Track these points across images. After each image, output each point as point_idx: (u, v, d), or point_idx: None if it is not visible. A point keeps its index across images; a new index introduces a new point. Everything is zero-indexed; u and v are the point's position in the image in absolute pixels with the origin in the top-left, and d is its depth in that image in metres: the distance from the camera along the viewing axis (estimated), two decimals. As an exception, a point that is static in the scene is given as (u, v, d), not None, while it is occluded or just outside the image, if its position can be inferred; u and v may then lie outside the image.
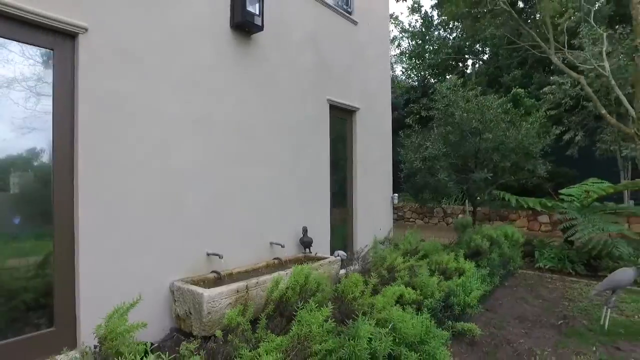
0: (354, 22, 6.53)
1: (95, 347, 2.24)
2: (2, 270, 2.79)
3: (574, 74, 4.89)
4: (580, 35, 9.75)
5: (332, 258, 4.78)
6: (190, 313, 3.29)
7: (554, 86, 11.33)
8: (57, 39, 3.06)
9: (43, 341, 2.87)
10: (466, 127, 7.06)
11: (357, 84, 6.56)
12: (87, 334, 2.88)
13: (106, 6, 3.27)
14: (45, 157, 3.03)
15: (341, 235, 6.27)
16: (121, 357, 2.02)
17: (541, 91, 11.80)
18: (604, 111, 4.50)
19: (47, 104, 3.02)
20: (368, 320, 2.50)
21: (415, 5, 16.47)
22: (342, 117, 6.32)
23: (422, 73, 17.27)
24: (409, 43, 18.09)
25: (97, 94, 3.19)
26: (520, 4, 15.16)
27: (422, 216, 14.33)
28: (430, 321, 3.08)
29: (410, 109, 15.37)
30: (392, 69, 19.34)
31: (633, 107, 7.16)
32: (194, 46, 3.97)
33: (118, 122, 3.31)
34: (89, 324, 2.98)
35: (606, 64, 4.25)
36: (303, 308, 2.44)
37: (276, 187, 4.91)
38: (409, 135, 8.02)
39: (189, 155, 3.87)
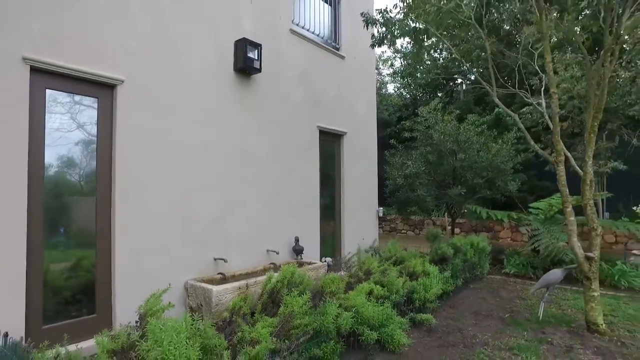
0: (342, 57, 7.46)
1: (136, 322, 3.07)
2: (60, 269, 3.64)
3: (510, 112, 5.72)
4: (555, 60, 10.67)
5: (319, 263, 5.60)
6: (201, 305, 4.11)
7: (531, 107, 12.23)
8: (101, 90, 3.96)
9: (88, 324, 3.70)
10: (443, 148, 7.94)
11: (345, 111, 7.46)
12: (120, 319, 3.71)
13: (137, 62, 4.17)
14: (91, 180, 3.90)
15: (330, 244, 7.10)
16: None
17: (520, 111, 12.70)
18: (532, 142, 5.29)
19: (93, 138, 3.91)
20: (336, 305, 3.34)
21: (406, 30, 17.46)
22: (331, 141, 7.21)
23: (413, 92, 18.25)
24: (401, 63, 19.10)
25: (129, 130, 4.07)
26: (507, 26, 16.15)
27: (413, 228, 15.13)
28: (392, 310, 3.92)
29: (402, 125, 16.30)
30: (385, 87, 20.29)
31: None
32: (205, 87, 4.88)
33: (145, 151, 4.19)
34: (122, 311, 3.83)
35: (543, 101, 5.03)
36: (289, 295, 3.27)
37: (271, 203, 5.77)
38: (393, 155, 8.89)
39: (199, 177, 4.74)
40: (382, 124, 17.70)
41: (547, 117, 5.02)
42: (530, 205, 8.52)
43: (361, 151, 7.85)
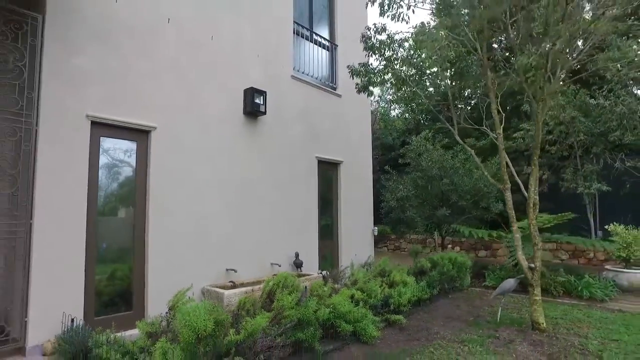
0: (338, 95, 8.57)
1: (166, 313, 4.09)
2: (106, 276, 4.72)
3: (468, 148, 6.66)
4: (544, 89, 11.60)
5: (315, 275, 6.57)
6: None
7: (522, 132, 13.12)
8: (139, 135, 5.11)
9: (127, 318, 4.73)
10: (430, 173, 8.90)
11: (341, 142, 8.52)
12: (151, 314, 4.73)
13: (166, 112, 5.33)
14: (130, 207, 5.01)
15: (329, 259, 8.05)
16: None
17: (513, 136, 13.59)
18: (486, 173, 6.12)
19: (133, 173, 5.04)
20: (316, 301, 4.32)
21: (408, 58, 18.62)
22: (328, 168, 8.26)
23: (417, 117, 19.26)
24: (404, 89, 20.20)
25: (159, 166, 5.19)
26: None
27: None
28: (367, 310, 4.86)
29: (405, 149, 17.28)
30: (389, 113, 21.34)
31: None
32: (219, 129, 6.01)
33: (171, 184, 5.30)
34: (152, 308, 4.85)
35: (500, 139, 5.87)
36: (282, 294, 4.26)
37: (274, 224, 6.80)
38: (388, 179, 9.88)
39: (214, 203, 5.82)
40: (386, 148, 18.72)
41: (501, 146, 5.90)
42: (518, 222, 9.34)
43: (356, 177, 8.86)
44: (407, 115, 20.85)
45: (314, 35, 8.29)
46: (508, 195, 5.49)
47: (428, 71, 6.35)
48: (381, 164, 16.60)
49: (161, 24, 5.41)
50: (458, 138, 6.22)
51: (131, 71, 5.02)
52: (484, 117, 7.49)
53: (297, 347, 4.05)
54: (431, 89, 7.92)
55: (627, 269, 7.94)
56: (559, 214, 8.55)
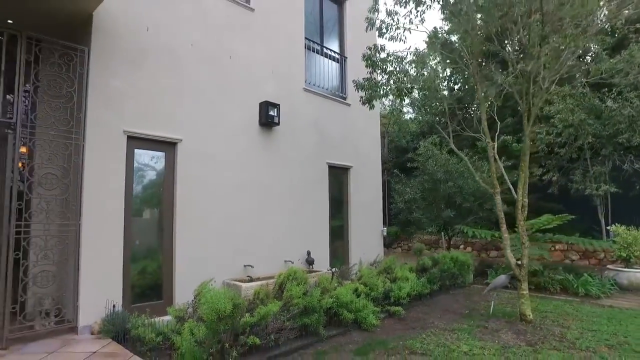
0: (348, 104, 9.16)
1: (192, 300, 4.78)
2: (140, 269, 5.46)
3: (462, 156, 7.10)
4: (553, 93, 11.87)
5: (325, 271, 7.19)
6: (234, 297, 5.79)
7: (533, 134, 13.40)
8: (167, 146, 5.84)
9: (158, 306, 5.44)
10: (436, 177, 9.39)
11: (351, 148, 9.10)
12: (179, 303, 5.43)
13: (190, 126, 6.04)
14: (161, 203, 5.74)
15: (340, 257, 8.63)
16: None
17: (522, 139, 13.87)
18: (478, 178, 6.47)
19: (161, 181, 5.78)
20: (323, 294, 4.93)
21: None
22: (339, 173, 8.86)
23: (430, 119, 19.64)
24: (418, 93, 20.60)
25: (185, 174, 5.91)
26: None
27: (429, 247, 16.30)
28: (368, 301, 5.44)
29: (414, 154, 17.68)
30: (403, 115, 21.75)
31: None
32: (237, 140, 6.70)
33: (195, 189, 6.01)
34: (179, 298, 5.55)
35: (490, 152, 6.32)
36: (291, 285, 4.89)
37: (288, 225, 7.44)
38: (397, 182, 10.41)
39: (235, 207, 6.51)
40: (400, 150, 19.16)
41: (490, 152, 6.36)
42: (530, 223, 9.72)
43: (366, 181, 9.43)
44: (420, 117, 21.26)
45: (324, 49, 8.92)
46: (498, 199, 5.98)
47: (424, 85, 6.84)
48: (395, 166, 17.09)
49: (185, 48, 6.14)
50: (453, 147, 6.71)
51: (160, 91, 5.76)
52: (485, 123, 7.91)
53: (304, 330, 4.68)
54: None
55: (627, 268, 8.24)
56: (559, 215, 8.90)
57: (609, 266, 8.80)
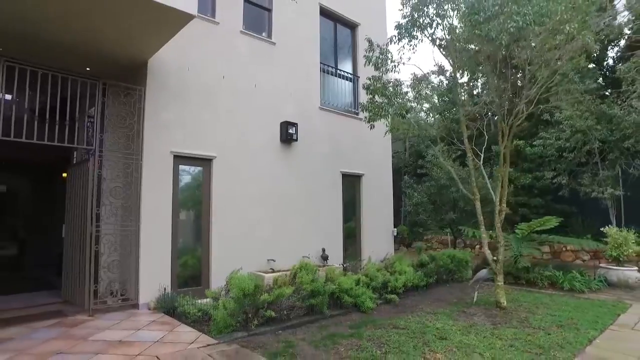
0: (360, 119, 10.29)
1: (224, 285, 6.12)
2: (184, 261, 6.87)
3: (448, 167, 8.06)
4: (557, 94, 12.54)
5: (337, 266, 8.38)
6: (258, 284, 7.10)
7: (542, 140, 14.06)
8: (204, 162, 7.23)
9: (197, 291, 6.82)
10: (441, 183, 10.39)
11: (363, 158, 10.25)
12: (213, 289, 6.77)
13: (223, 145, 7.41)
14: (200, 208, 7.13)
15: (352, 255, 9.78)
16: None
17: (532, 144, 14.52)
18: (461, 186, 7.29)
19: (199, 191, 7.17)
20: (329, 283, 6.15)
21: (441, 69, 19.87)
22: (352, 181, 10.03)
23: (448, 126, 20.41)
24: (437, 99, 21.40)
25: (219, 185, 7.28)
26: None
27: (445, 246, 17.13)
28: (366, 289, 6.60)
29: (423, 161, 18.48)
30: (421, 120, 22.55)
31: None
32: (261, 155, 8.02)
33: (227, 196, 7.37)
34: (214, 285, 6.89)
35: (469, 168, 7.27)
36: (302, 274, 6.12)
37: (305, 226, 8.69)
38: (408, 187, 11.46)
39: (259, 210, 7.83)
40: (418, 155, 20.05)
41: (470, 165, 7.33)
42: (518, 225, 10.53)
43: (377, 187, 10.55)
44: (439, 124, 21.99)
45: (338, 70, 10.13)
46: (477, 205, 6.97)
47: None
48: (413, 170, 18.02)
49: (218, 80, 7.52)
50: (442, 160, 7.71)
51: (198, 118, 7.16)
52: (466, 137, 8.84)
53: (311, 309, 5.91)
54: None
55: (617, 266, 8.94)
56: (544, 218, 9.64)
57: (601, 264, 9.51)
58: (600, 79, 15.79)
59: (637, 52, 12.09)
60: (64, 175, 9.24)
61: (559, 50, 5.84)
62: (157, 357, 4.21)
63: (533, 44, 6.08)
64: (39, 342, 4.61)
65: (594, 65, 16.73)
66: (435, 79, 7.95)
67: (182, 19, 5.33)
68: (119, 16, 5.13)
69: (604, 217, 13.22)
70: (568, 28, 5.28)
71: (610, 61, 17.44)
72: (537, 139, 14.13)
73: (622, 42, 16.34)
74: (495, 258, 6.68)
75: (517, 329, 5.39)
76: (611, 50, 16.71)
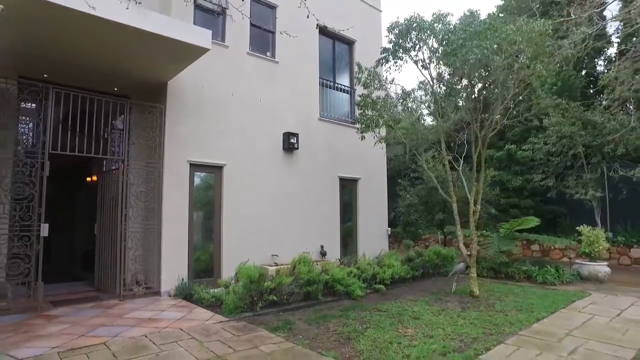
0: (356, 128, 11.28)
1: (234, 275, 7.14)
2: (198, 255, 7.93)
3: (430, 174, 9.01)
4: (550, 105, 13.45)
5: (334, 260, 9.38)
6: (263, 276, 8.13)
7: (530, 144, 14.94)
8: (216, 169, 8.28)
9: (210, 282, 7.86)
10: (430, 185, 11.33)
11: (359, 163, 11.23)
12: (224, 279, 7.80)
13: (232, 153, 8.45)
14: (212, 209, 8.19)
15: (349, 251, 10.77)
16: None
17: (522, 148, 15.40)
18: (441, 190, 8.16)
19: (212, 194, 8.22)
20: (323, 274, 7.16)
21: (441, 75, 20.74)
22: (349, 184, 11.02)
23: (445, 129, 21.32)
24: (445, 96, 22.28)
25: (229, 189, 8.32)
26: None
27: (442, 245, 18.02)
28: (357, 280, 7.60)
29: (415, 165, 19.39)
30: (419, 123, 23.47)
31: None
32: (266, 162, 9.05)
33: (236, 199, 8.41)
34: (224, 276, 7.93)
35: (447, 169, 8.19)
36: (300, 265, 7.13)
37: (306, 225, 9.70)
38: (401, 189, 12.42)
39: (264, 211, 8.86)
40: (415, 159, 20.99)
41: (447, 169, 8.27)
42: (502, 224, 11.40)
43: (372, 189, 11.52)
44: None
45: (336, 84, 11.14)
46: (454, 206, 7.92)
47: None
48: (410, 172, 18.97)
49: (228, 97, 8.56)
50: (425, 166, 8.67)
51: (212, 131, 8.20)
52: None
53: (308, 296, 6.91)
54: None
55: (589, 262, 9.82)
56: (523, 218, 10.51)
57: (576, 260, 10.39)
58: (591, 86, 16.64)
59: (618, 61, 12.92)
60: (88, 180, 10.39)
61: (516, 75, 6.80)
62: (181, 329, 5.25)
63: (495, 71, 7.04)
64: (85, 318, 5.69)
65: (584, 73, 17.62)
66: (420, 93, 8.80)
67: (199, 51, 6.39)
68: (147, 50, 6.20)
69: (591, 218, 14.05)
70: (522, 59, 6.22)
71: (601, 68, 18.25)
72: (527, 144, 15.00)
73: (610, 50, 17.18)
74: (469, 253, 7.63)
75: (481, 312, 6.35)
76: (598, 58, 17.52)
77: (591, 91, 17.10)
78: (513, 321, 5.77)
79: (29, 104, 6.88)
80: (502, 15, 20.07)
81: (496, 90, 7.50)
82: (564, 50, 8.67)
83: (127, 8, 4.13)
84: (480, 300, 7.23)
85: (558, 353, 4.49)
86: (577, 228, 10.66)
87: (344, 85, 11.40)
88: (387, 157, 13.62)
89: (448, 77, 7.87)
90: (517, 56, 6.47)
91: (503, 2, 20.11)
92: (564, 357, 4.36)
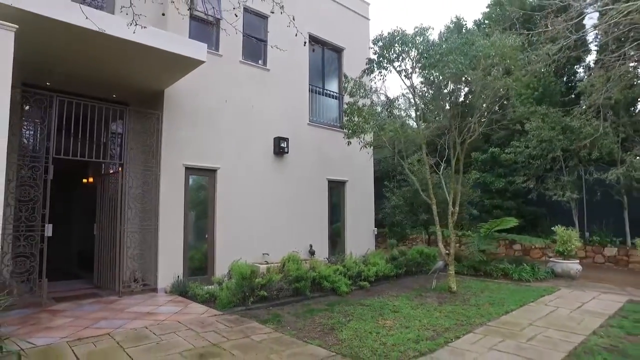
0: (345, 132, 11.78)
1: (227, 272, 7.59)
2: (193, 254, 8.36)
3: (412, 177, 9.56)
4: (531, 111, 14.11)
5: (322, 259, 9.86)
6: (254, 274, 8.58)
7: (512, 148, 15.57)
8: (210, 173, 8.72)
9: (204, 279, 8.29)
10: (414, 187, 11.85)
11: (347, 166, 11.73)
12: (217, 276, 8.24)
13: (225, 158, 8.89)
14: (206, 210, 8.62)
15: (338, 250, 11.26)
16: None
17: (505, 151, 16.03)
18: (422, 193, 8.76)
19: (206, 196, 8.66)
20: (311, 271, 7.64)
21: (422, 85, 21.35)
22: (337, 186, 11.52)
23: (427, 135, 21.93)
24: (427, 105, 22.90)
25: (222, 191, 8.76)
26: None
27: (427, 245, 18.59)
28: (343, 277, 8.09)
29: (401, 169, 19.94)
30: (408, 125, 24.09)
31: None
32: (257, 165, 9.50)
33: (229, 200, 8.85)
34: (218, 274, 8.37)
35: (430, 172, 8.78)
36: (289, 263, 7.60)
37: (295, 225, 10.17)
38: (387, 191, 12.95)
39: (256, 212, 9.31)
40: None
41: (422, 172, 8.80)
42: (482, 224, 11.96)
43: (359, 191, 12.03)
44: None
45: (325, 90, 11.63)
46: (434, 208, 8.45)
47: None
48: (398, 174, 19.53)
49: (221, 103, 9.00)
50: (407, 171, 9.19)
51: (206, 136, 8.64)
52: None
53: (296, 291, 7.38)
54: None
55: (563, 260, 10.42)
56: (501, 219, 11.09)
57: (551, 258, 11.00)
58: (571, 92, 17.35)
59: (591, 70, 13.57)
60: (84, 181, 10.74)
61: (492, 85, 7.35)
62: (179, 321, 5.70)
63: (470, 83, 7.59)
64: (88, 312, 6.10)
65: (565, 79, 18.35)
66: (403, 101, 9.34)
67: (195, 63, 6.84)
68: (146, 62, 6.63)
69: (569, 218, 14.69)
70: (494, 72, 6.76)
71: (581, 74, 18.97)
72: (510, 147, 15.63)
73: (589, 58, 17.89)
74: (447, 251, 8.16)
75: (456, 306, 6.88)
76: (579, 65, 18.22)
77: (572, 96, 17.80)
78: (484, 314, 6.30)
79: (33, 110, 7.26)
80: (487, 22, 20.84)
81: (473, 99, 8.04)
82: (534, 65, 9.24)
83: (134, 32, 4.51)
84: (457, 295, 7.76)
85: (518, 340, 5.02)
86: (553, 228, 11.25)
87: (333, 92, 11.90)
88: (376, 160, 14.18)
89: (428, 87, 8.37)
90: (491, 69, 7.00)
91: (488, 9, 20.77)
92: (523, 343, 4.90)
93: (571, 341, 4.93)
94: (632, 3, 7.48)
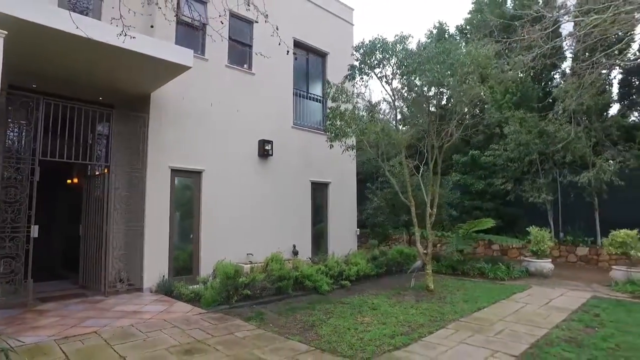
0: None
1: (212, 272, 7.77)
2: (178, 254, 8.52)
3: (393, 180, 9.91)
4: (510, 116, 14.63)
5: (305, 259, 10.11)
6: (239, 273, 8.78)
7: (491, 151, 16.07)
8: (195, 174, 8.89)
9: (189, 279, 8.44)
10: (395, 189, 12.19)
11: (330, 168, 12.00)
12: (202, 276, 8.41)
13: (210, 160, 9.06)
14: (191, 211, 8.79)
15: (321, 250, 11.52)
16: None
17: (485, 154, 16.53)
18: (401, 196, 9.15)
19: (191, 197, 8.82)
20: (294, 270, 7.88)
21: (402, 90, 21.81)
22: (320, 187, 11.78)
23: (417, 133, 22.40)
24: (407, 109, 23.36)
25: (207, 191, 8.94)
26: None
27: (408, 245, 18.98)
28: (324, 276, 8.35)
29: (382, 171, 20.35)
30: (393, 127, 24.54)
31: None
32: (242, 167, 9.70)
33: (214, 201, 9.03)
34: (202, 274, 8.55)
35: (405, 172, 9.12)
36: (272, 263, 7.82)
37: (279, 226, 10.40)
38: (369, 193, 13.27)
39: (240, 213, 9.51)
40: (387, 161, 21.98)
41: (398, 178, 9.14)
42: (460, 225, 12.37)
43: (342, 193, 12.32)
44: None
45: (309, 94, 11.88)
46: (413, 210, 8.78)
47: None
48: (381, 176, 19.91)
49: (207, 107, 9.17)
50: (388, 174, 9.51)
51: (192, 139, 8.80)
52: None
53: (279, 290, 7.62)
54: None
55: (536, 259, 10.87)
56: (479, 220, 11.51)
57: (525, 258, 11.47)
58: (548, 97, 17.95)
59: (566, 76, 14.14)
60: (68, 182, 10.78)
61: (465, 94, 7.72)
62: (164, 320, 5.88)
63: (448, 90, 7.95)
64: (74, 312, 6.23)
65: (542, 85, 18.99)
66: (384, 106, 9.64)
67: (181, 69, 7.03)
68: (133, 67, 6.79)
69: (545, 219, 15.23)
70: (469, 80, 7.12)
71: (558, 80, 19.64)
72: (489, 150, 16.14)
73: (565, 64, 18.56)
74: (425, 251, 8.50)
75: (432, 303, 7.21)
76: (555, 72, 18.88)
77: (549, 101, 18.43)
78: (458, 310, 6.64)
79: (19, 112, 7.32)
80: (469, 27, 21.40)
81: (452, 105, 8.40)
82: (509, 72, 9.68)
83: (124, 42, 4.66)
84: (434, 293, 8.10)
85: (487, 334, 5.36)
86: (527, 229, 11.71)
87: (317, 95, 12.16)
88: (359, 162, 14.48)
89: (408, 93, 8.70)
90: (467, 77, 7.36)
91: (470, 15, 21.34)
92: (491, 337, 5.23)
93: (535, 334, 5.29)
94: (598, 16, 7.93)
